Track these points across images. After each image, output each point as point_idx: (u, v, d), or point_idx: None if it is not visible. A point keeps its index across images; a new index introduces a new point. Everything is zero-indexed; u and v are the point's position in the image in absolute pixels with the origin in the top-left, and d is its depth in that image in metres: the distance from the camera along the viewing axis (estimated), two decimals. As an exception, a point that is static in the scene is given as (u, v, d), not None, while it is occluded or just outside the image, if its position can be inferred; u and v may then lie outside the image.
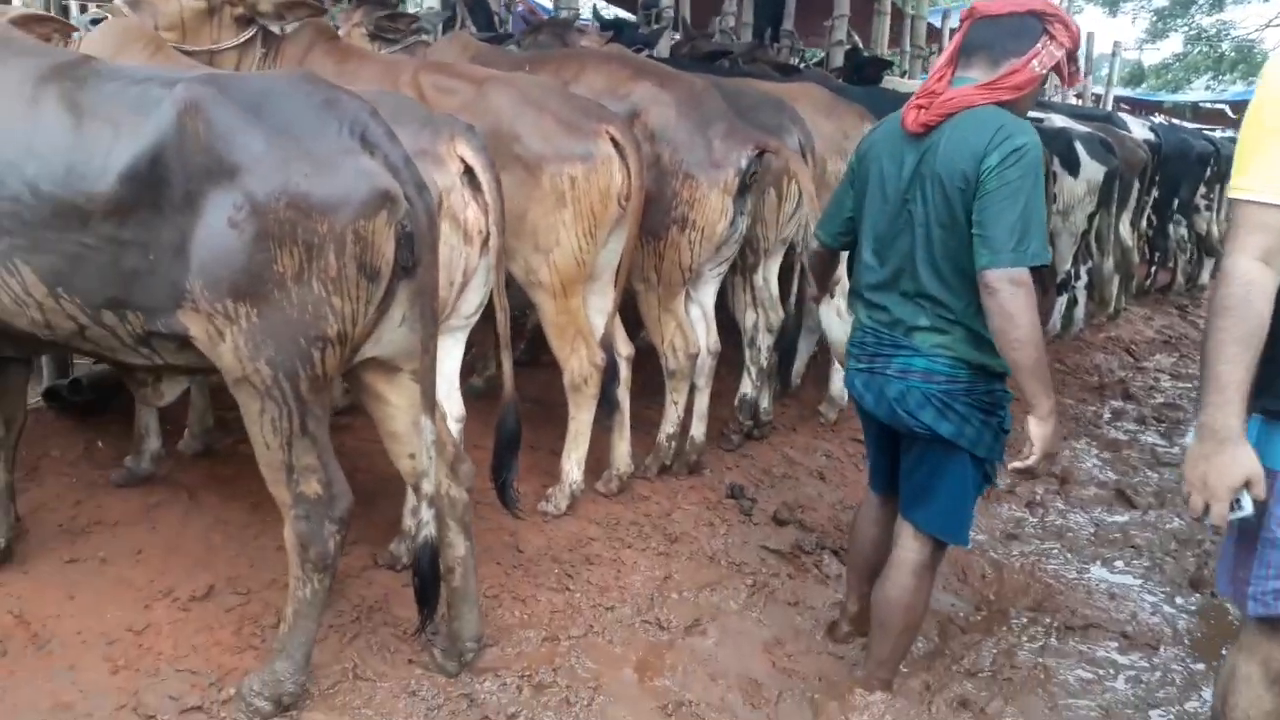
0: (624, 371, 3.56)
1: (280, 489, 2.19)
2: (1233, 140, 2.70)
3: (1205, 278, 9.78)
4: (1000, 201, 2.29)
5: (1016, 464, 2.38)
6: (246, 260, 2.04)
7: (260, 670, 2.26)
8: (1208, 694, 2.88)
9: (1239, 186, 1.93)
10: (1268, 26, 20.09)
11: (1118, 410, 5.95)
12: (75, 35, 3.11)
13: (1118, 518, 4.34)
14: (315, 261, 2.05)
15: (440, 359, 2.50)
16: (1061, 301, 7.13)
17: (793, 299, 4.29)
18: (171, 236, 2.08)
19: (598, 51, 4.50)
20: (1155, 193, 8.34)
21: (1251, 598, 2.05)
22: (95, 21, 3.40)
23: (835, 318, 4.23)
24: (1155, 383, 6.78)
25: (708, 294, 3.92)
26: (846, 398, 4.64)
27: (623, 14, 9.06)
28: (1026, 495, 4.43)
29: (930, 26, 11.70)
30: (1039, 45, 2.38)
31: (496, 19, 6.74)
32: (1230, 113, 18.20)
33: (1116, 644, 3.23)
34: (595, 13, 8.57)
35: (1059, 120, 6.96)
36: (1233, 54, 20.58)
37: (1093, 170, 6.60)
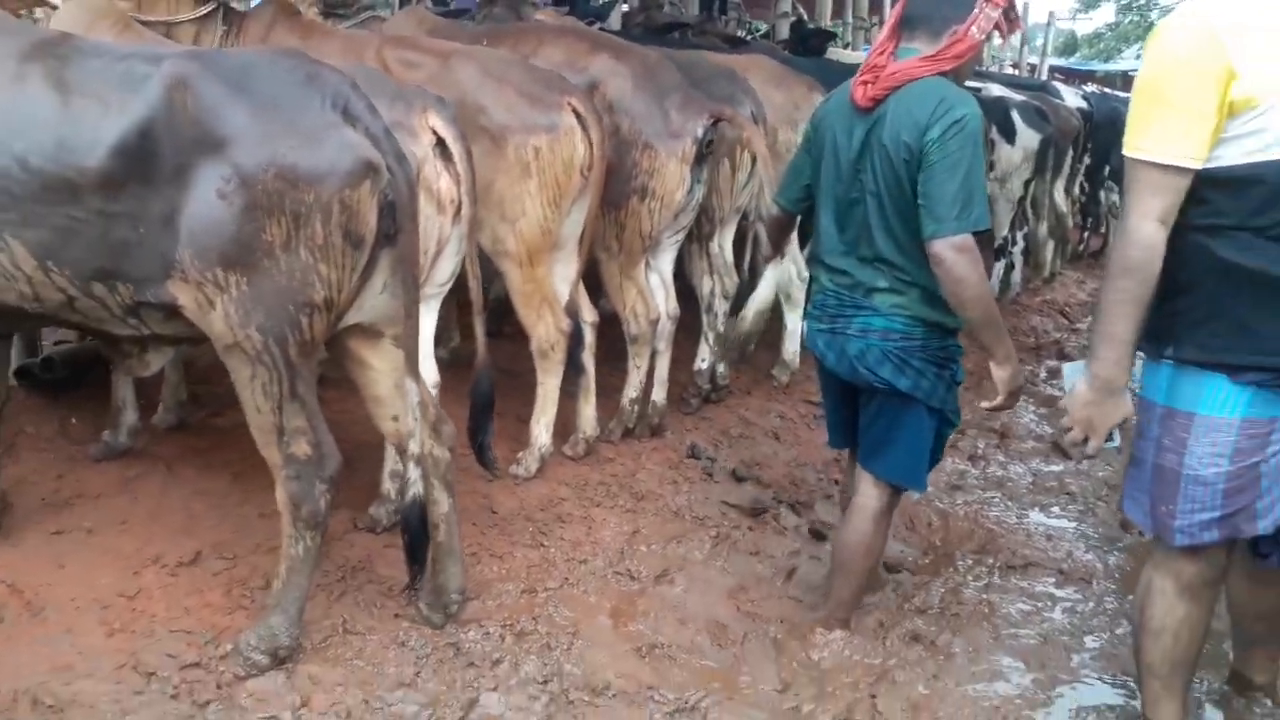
0: (589, 337, 3.68)
1: (271, 451, 2.28)
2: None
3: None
4: (943, 173, 2.43)
5: (986, 404, 2.64)
6: (236, 230, 2.12)
7: (256, 626, 2.36)
8: (1136, 622, 3.12)
9: (1140, 147, 2.06)
10: (1193, -3, 20.63)
11: (1053, 369, 6.22)
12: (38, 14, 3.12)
13: (1054, 468, 4.58)
14: (303, 230, 2.14)
15: (415, 326, 2.59)
16: (999, 266, 7.39)
17: (746, 266, 4.45)
18: (161, 208, 2.14)
19: (554, 25, 4.56)
20: (1087, 160, 8.64)
21: (1179, 531, 2.22)
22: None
23: (786, 278, 4.41)
24: (1088, 343, 7.09)
25: (666, 261, 4.04)
26: (797, 362, 4.84)
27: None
28: (969, 449, 4.66)
29: (872, -1, 11.90)
30: (976, 10, 2.49)
31: (448, -9, 6.72)
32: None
33: (1054, 580, 3.45)
34: (546, -16, 8.56)
35: (996, 89, 7.16)
36: (1162, 23, 21.12)
37: (1029, 138, 6.81)
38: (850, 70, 2.99)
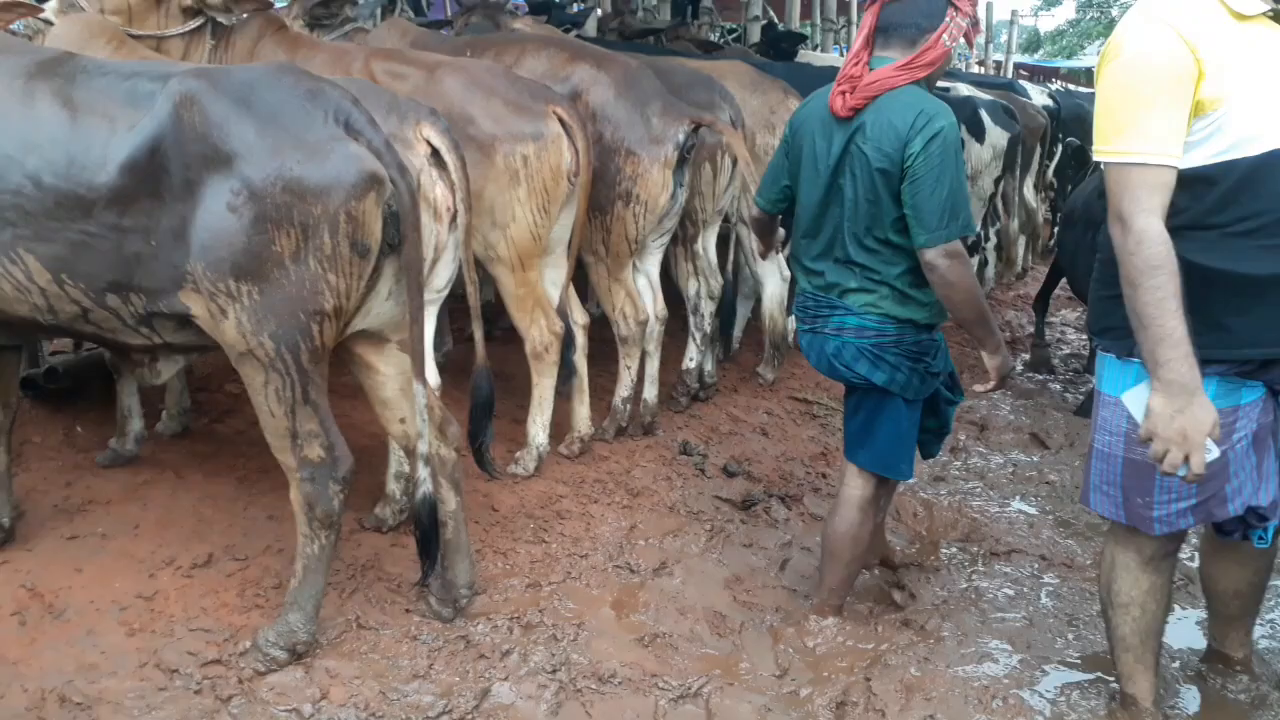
0: (580, 339, 3.77)
1: (286, 454, 2.36)
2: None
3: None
4: (929, 185, 2.54)
5: (979, 387, 2.80)
6: (247, 242, 2.20)
7: (274, 623, 2.43)
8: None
9: (1129, 150, 2.08)
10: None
11: (1029, 362, 6.38)
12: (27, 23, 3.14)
13: (1033, 458, 4.71)
14: (311, 241, 2.22)
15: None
16: (972, 263, 7.52)
17: (729, 267, 4.55)
18: (172, 222, 2.22)
19: (534, 35, 4.65)
20: (1055, 156, 8.83)
21: (1158, 520, 2.31)
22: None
23: (775, 276, 4.53)
24: (1061, 335, 7.26)
25: (653, 264, 4.15)
26: (781, 360, 4.96)
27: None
28: (950, 442, 4.78)
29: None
30: (947, 19, 2.60)
31: (424, 3, 6.81)
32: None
33: (1036, 565, 3.57)
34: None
35: (964, 89, 7.30)
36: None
37: (997, 136, 6.95)
38: (823, 73, 3.11)
